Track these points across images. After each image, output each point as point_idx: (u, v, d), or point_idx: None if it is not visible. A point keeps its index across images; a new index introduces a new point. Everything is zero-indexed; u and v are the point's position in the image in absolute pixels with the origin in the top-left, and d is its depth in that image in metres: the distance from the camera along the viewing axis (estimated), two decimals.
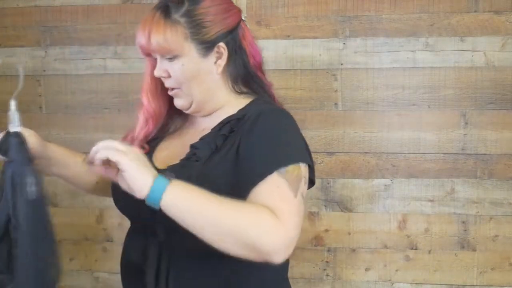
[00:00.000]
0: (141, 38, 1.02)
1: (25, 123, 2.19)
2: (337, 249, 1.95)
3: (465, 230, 1.89)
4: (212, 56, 1.03)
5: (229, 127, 1.00)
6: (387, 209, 1.92)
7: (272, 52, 1.93)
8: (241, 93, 1.08)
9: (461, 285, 1.90)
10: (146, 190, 0.84)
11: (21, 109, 2.19)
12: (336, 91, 1.92)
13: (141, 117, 1.13)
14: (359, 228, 1.94)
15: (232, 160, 0.96)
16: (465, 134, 1.87)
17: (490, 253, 1.88)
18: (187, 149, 1.02)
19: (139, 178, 0.84)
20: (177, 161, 1.02)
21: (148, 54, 1.05)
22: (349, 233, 1.94)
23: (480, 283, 1.89)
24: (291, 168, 0.93)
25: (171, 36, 0.99)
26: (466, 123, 1.87)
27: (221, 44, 1.03)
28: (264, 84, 1.12)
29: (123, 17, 2.01)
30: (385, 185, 1.92)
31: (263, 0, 1.94)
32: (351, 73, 1.91)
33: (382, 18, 1.89)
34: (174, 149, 1.08)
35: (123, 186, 0.87)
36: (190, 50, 1.00)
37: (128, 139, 1.15)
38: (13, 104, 1.03)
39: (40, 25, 2.06)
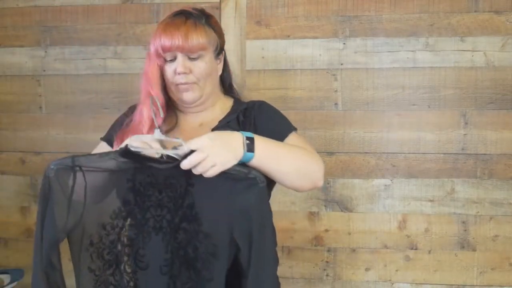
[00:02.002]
0: (174, 38, 1.15)
1: (25, 123, 2.21)
2: (337, 249, 1.95)
3: (465, 230, 1.89)
4: (218, 60, 1.26)
5: (241, 116, 1.23)
6: (387, 209, 1.92)
7: (272, 52, 1.93)
8: (226, 94, 1.33)
9: (461, 285, 1.90)
10: (238, 159, 1.03)
11: (21, 109, 2.21)
12: (336, 91, 1.92)
13: (148, 112, 1.19)
14: (359, 228, 1.94)
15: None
16: (465, 134, 1.88)
17: (490, 253, 1.88)
18: None
19: (226, 165, 1.00)
20: None
21: (168, 53, 1.17)
22: (349, 233, 1.94)
23: (480, 283, 1.89)
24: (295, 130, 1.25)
25: (206, 37, 1.19)
26: (466, 123, 1.87)
27: (223, 53, 1.28)
28: (237, 92, 1.37)
29: (123, 17, 2.01)
30: (385, 185, 1.92)
31: (263, 0, 1.94)
32: (351, 73, 1.91)
33: (382, 18, 1.89)
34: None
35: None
36: (210, 52, 1.22)
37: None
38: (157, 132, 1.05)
39: (40, 25, 2.06)
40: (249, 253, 0.99)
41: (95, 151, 1.29)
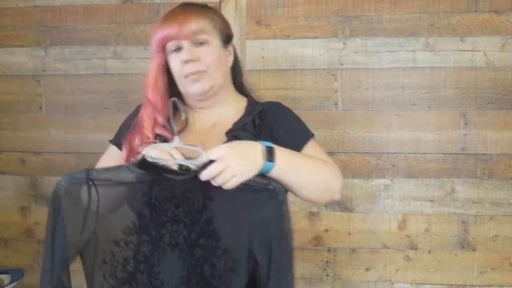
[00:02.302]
0: (171, 27, 1.11)
1: (25, 123, 2.21)
2: (337, 249, 1.95)
3: (465, 230, 1.89)
4: (227, 51, 1.20)
5: (258, 118, 1.18)
6: (387, 209, 1.92)
7: (272, 52, 1.93)
8: (239, 93, 1.27)
9: (461, 285, 1.90)
10: (257, 169, 0.99)
11: (21, 109, 2.21)
12: (336, 91, 1.92)
13: (149, 117, 1.17)
14: (359, 228, 1.94)
15: (269, 139, 1.11)
16: (465, 134, 1.88)
17: (490, 253, 1.88)
18: (207, 145, 1.11)
19: (247, 175, 0.97)
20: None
21: (170, 44, 1.13)
22: (349, 233, 1.94)
23: (480, 283, 1.89)
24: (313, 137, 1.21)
25: (208, 21, 1.14)
26: (466, 123, 1.87)
27: (231, 44, 1.22)
28: (250, 91, 1.31)
29: (123, 17, 2.01)
30: (385, 185, 1.92)
31: (263, 0, 1.94)
32: (351, 73, 1.91)
33: (382, 18, 1.89)
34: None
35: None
36: (217, 38, 1.16)
37: (143, 136, 1.16)
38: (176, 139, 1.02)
39: (40, 25, 2.06)
40: (269, 266, 0.96)
41: (105, 155, 1.27)
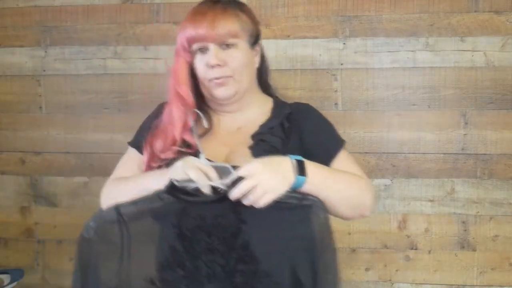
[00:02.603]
0: (200, 27, 1.05)
1: (25, 123, 2.21)
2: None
3: (465, 230, 1.89)
4: (254, 51, 1.14)
5: (286, 122, 1.13)
6: (387, 209, 1.92)
7: (272, 52, 1.93)
8: (264, 92, 1.22)
9: (461, 285, 1.90)
10: (290, 184, 0.94)
11: (21, 109, 2.21)
12: (336, 91, 1.92)
13: (179, 112, 1.10)
14: (359, 228, 1.94)
15: (298, 147, 1.10)
16: (465, 134, 1.87)
17: (490, 253, 1.88)
18: (232, 149, 1.08)
19: (279, 191, 0.92)
20: (232, 158, 1.07)
21: (196, 44, 1.07)
22: (349, 233, 1.94)
23: (480, 283, 1.89)
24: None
25: (238, 22, 1.08)
26: (466, 123, 1.87)
27: (259, 43, 1.16)
28: (275, 89, 1.26)
29: (123, 17, 2.01)
30: (385, 185, 1.91)
31: (263, 0, 1.94)
32: (351, 73, 1.91)
33: (382, 18, 1.89)
34: (216, 149, 1.08)
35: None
36: (245, 40, 1.10)
37: (167, 139, 1.10)
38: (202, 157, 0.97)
39: (40, 25, 2.06)
40: (314, 285, 0.91)
41: (124, 159, 1.21)
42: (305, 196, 0.93)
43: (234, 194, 0.90)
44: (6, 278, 1.85)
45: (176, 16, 1.97)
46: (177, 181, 0.90)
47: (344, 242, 1.94)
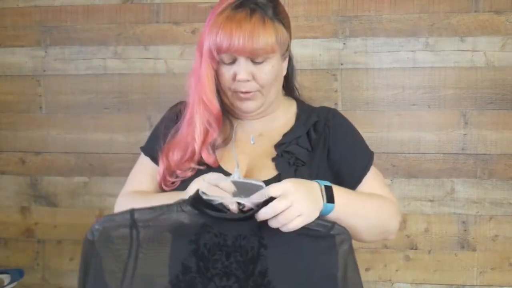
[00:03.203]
0: (235, 38, 0.94)
1: (25, 123, 2.20)
2: None
3: (465, 230, 1.89)
4: (284, 59, 1.06)
5: (313, 132, 1.05)
6: None
7: None
8: (287, 95, 1.15)
9: (461, 285, 1.90)
10: (319, 210, 0.87)
11: (21, 109, 2.20)
12: (336, 91, 1.92)
13: (202, 121, 1.02)
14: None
15: (325, 159, 1.05)
16: (465, 134, 1.87)
17: (490, 253, 1.88)
18: (254, 158, 1.03)
19: (312, 216, 0.85)
20: (253, 169, 1.02)
21: (226, 55, 0.98)
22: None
23: (480, 283, 1.89)
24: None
25: (276, 36, 0.98)
26: (466, 123, 1.87)
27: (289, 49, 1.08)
28: (297, 88, 1.19)
29: (123, 17, 2.01)
30: None
31: None
32: (351, 73, 1.91)
33: (382, 18, 1.89)
34: (237, 157, 1.01)
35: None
36: (278, 53, 1.02)
37: (186, 152, 1.03)
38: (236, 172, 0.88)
39: (40, 25, 2.06)
40: None
41: (137, 166, 1.13)
42: (334, 224, 0.86)
43: (264, 214, 0.81)
44: (6, 278, 1.84)
45: (176, 16, 1.97)
46: (204, 193, 0.83)
47: None
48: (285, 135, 1.06)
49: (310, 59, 1.93)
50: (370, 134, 1.91)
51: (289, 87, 1.16)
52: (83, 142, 2.04)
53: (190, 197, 0.84)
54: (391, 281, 1.93)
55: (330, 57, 1.92)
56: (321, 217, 0.88)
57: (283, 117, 1.10)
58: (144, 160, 1.13)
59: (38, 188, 2.08)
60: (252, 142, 0.88)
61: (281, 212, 0.81)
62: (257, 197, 0.82)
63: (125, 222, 0.84)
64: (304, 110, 1.11)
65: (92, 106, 2.04)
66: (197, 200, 0.83)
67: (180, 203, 0.85)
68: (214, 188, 0.85)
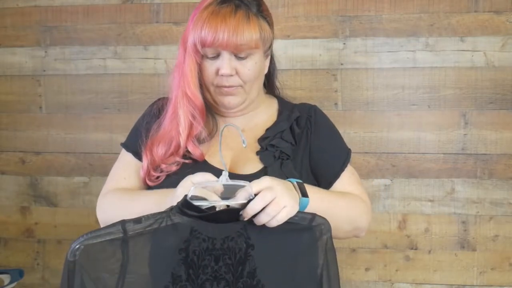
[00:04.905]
0: (220, 32, 0.95)
1: (25, 123, 2.21)
2: (337, 249, 1.94)
3: (465, 230, 1.89)
4: (266, 56, 1.08)
5: (296, 126, 1.07)
6: (387, 209, 1.92)
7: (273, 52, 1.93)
8: (269, 93, 1.17)
9: (461, 285, 1.90)
10: (297, 207, 0.87)
11: (21, 109, 2.21)
12: (336, 91, 1.92)
13: (186, 115, 1.02)
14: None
15: (307, 153, 1.07)
16: (465, 134, 1.87)
17: (490, 253, 1.88)
18: (238, 153, 1.03)
19: (295, 206, 0.86)
20: (238, 163, 1.02)
21: (210, 49, 0.99)
22: None
23: (480, 283, 1.89)
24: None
25: (260, 32, 1.00)
26: (466, 123, 1.87)
27: (271, 47, 1.09)
28: (278, 87, 1.21)
29: (123, 17, 2.01)
30: (385, 185, 1.91)
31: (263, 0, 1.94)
32: (351, 73, 1.91)
33: (382, 18, 1.89)
34: (222, 152, 1.02)
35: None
36: (261, 50, 1.03)
37: (170, 146, 1.03)
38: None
39: (40, 25, 2.06)
40: None
41: (119, 163, 1.13)
42: (314, 216, 0.87)
43: (254, 206, 0.81)
44: (6, 278, 1.84)
45: (176, 16, 1.97)
46: (192, 199, 0.82)
47: (344, 242, 1.94)
48: (268, 129, 1.07)
49: (310, 59, 1.93)
50: (370, 134, 1.91)
51: (270, 85, 1.17)
52: (83, 142, 2.04)
53: (178, 204, 0.83)
54: (391, 281, 1.93)
55: (330, 57, 1.92)
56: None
57: (265, 113, 1.12)
58: (126, 157, 1.12)
59: (38, 188, 2.08)
60: (244, 146, 0.89)
61: (269, 204, 0.82)
62: (243, 195, 0.83)
63: (119, 236, 0.80)
64: (285, 106, 1.13)
65: (92, 106, 2.04)
66: (186, 206, 0.82)
67: (168, 212, 0.83)
68: (202, 190, 0.84)
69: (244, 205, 0.83)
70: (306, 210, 0.90)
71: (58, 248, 2.08)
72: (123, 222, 0.80)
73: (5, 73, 2.08)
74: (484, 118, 1.86)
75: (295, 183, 0.92)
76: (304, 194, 0.91)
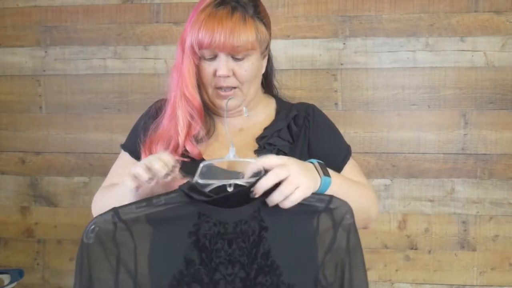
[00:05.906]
0: (216, 34, 0.97)
1: (25, 123, 2.21)
2: None
3: (465, 230, 1.89)
4: (263, 57, 1.08)
5: (294, 125, 1.07)
6: (387, 209, 1.92)
7: (272, 52, 1.92)
8: (267, 93, 1.17)
9: (461, 285, 1.90)
10: (317, 184, 0.87)
11: (21, 109, 2.21)
12: (336, 91, 1.92)
13: (184, 115, 1.03)
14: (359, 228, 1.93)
15: (306, 151, 1.07)
16: (465, 134, 1.87)
17: (490, 253, 1.88)
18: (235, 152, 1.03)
19: (310, 187, 0.84)
20: (237, 161, 1.00)
21: (207, 51, 1.00)
22: None
23: (480, 283, 1.89)
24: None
25: (256, 34, 1.01)
26: (466, 123, 1.87)
27: (268, 48, 1.10)
28: (276, 87, 1.21)
29: (123, 17, 2.01)
30: (385, 185, 1.91)
31: (263, 0, 1.93)
32: (351, 73, 1.91)
33: (382, 18, 1.89)
34: (218, 152, 1.04)
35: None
36: (258, 51, 1.04)
37: (169, 145, 1.03)
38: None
39: (40, 25, 2.06)
40: None
41: (117, 163, 1.14)
42: (332, 197, 0.85)
43: (266, 182, 0.79)
44: (6, 278, 1.84)
45: (176, 16, 1.97)
46: (198, 182, 0.81)
47: None
48: (266, 128, 1.07)
49: (310, 59, 1.93)
50: (370, 134, 1.91)
51: (268, 85, 1.18)
52: (83, 142, 2.04)
53: (183, 186, 0.82)
54: (391, 281, 1.93)
55: (330, 57, 1.92)
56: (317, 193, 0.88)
57: (263, 113, 1.12)
58: (124, 156, 1.13)
59: (38, 188, 2.08)
60: (245, 115, 0.92)
61: (282, 182, 0.80)
62: (251, 169, 0.82)
63: (109, 221, 0.80)
64: (283, 106, 1.13)
65: (92, 106, 2.04)
66: (193, 191, 0.81)
67: (169, 196, 0.82)
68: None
69: (254, 184, 0.80)
70: (328, 191, 0.88)
71: (58, 248, 2.08)
72: (115, 209, 0.80)
73: (5, 73, 2.08)
74: (484, 118, 1.86)
75: (316, 163, 0.90)
76: (326, 173, 0.89)
